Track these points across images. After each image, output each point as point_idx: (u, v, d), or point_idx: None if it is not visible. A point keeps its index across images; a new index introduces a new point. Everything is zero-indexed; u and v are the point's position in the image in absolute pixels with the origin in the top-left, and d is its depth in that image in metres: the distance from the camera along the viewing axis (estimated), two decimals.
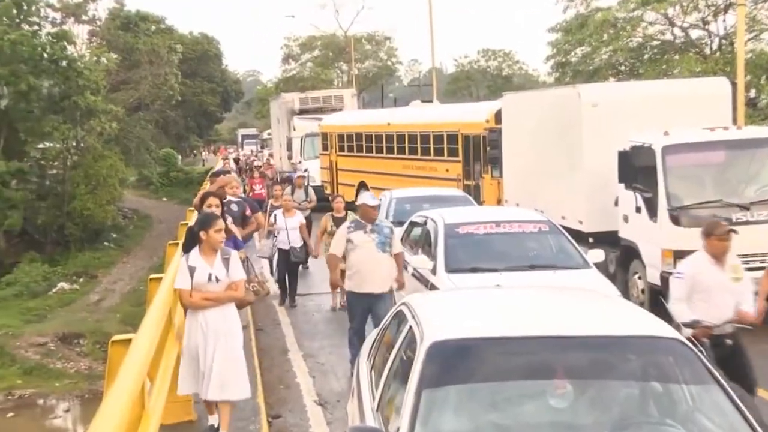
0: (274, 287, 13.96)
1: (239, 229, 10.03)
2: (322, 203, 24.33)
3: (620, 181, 12.55)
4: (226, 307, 6.80)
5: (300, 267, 14.44)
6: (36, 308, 23.99)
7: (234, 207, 10.69)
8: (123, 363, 4.90)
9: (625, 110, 13.21)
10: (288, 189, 16.58)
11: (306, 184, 18.56)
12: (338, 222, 12.89)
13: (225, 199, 10.14)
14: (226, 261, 6.75)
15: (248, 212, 10.99)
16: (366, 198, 9.34)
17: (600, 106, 13.40)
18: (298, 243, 13.48)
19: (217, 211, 8.12)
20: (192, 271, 6.68)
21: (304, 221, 13.86)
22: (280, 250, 13.60)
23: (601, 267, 10.61)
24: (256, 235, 13.50)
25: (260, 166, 31.79)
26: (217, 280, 6.70)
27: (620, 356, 4.62)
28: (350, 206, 25.28)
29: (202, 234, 6.77)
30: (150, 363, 5.44)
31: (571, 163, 13.97)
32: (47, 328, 21.29)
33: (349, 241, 9.14)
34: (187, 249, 6.91)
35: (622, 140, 12.40)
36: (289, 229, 13.44)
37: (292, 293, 13.83)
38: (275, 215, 13.76)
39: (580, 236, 12.67)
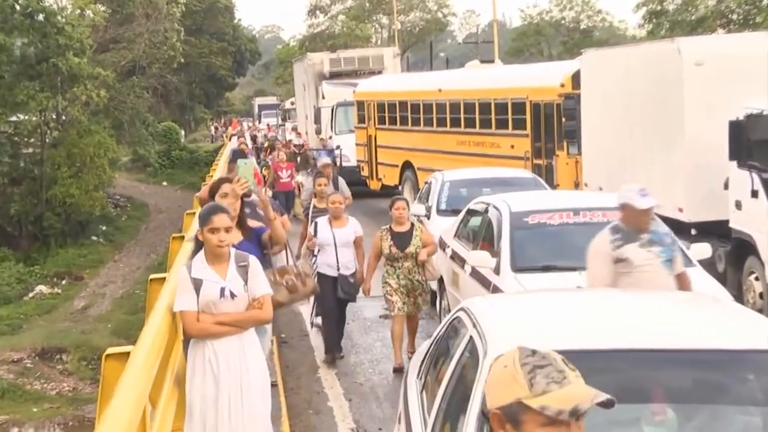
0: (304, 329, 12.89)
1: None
2: (357, 188, 24.45)
3: (731, 158, 12.42)
4: (246, 334, 6.20)
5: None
6: (9, 317, 24.33)
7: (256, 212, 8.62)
8: (119, 382, 4.94)
9: (737, 70, 13.05)
10: (328, 186, 13.83)
11: (335, 173, 16.48)
12: (400, 240, 10.80)
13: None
14: (242, 269, 6.19)
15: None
16: (633, 196, 7.37)
17: (706, 65, 13.26)
18: (350, 267, 11.11)
19: (236, 205, 7.29)
20: (197, 285, 6.11)
21: (361, 232, 11.31)
22: (322, 276, 10.92)
23: (707, 265, 10.51)
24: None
25: (302, 146, 30.13)
26: (233, 295, 6.11)
27: (735, 375, 4.59)
28: (390, 191, 25.12)
29: (198, 234, 6.28)
30: (153, 382, 5.48)
31: (669, 136, 13.86)
32: (23, 341, 21.58)
33: (620, 260, 7.16)
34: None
35: (733, 107, 12.27)
36: (339, 245, 11.00)
37: (338, 339, 11.66)
38: (316, 223, 11.34)
39: (680, 227, 12.56)
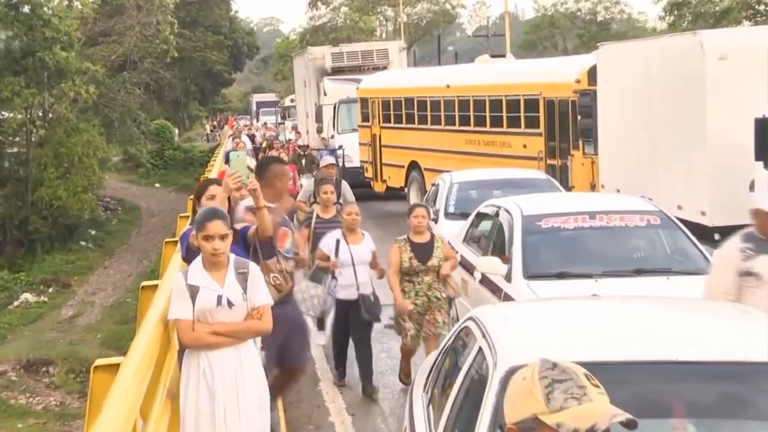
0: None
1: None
2: (361, 190, 24.44)
3: (757, 158, 12.42)
4: (243, 345, 6.20)
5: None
6: None
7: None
8: (108, 395, 4.96)
9: (764, 64, 13.04)
10: (331, 193, 12.25)
11: (338, 175, 15.44)
12: (421, 252, 10.03)
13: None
14: (242, 277, 6.19)
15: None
16: (765, 200, 6.87)
17: (730, 59, 13.26)
18: (369, 287, 10.42)
19: (224, 207, 7.11)
20: (193, 292, 6.12)
21: (374, 248, 10.66)
22: (338, 301, 10.41)
23: None
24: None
25: (306, 146, 29.04)
26: (230, 304, 6.12)
27: (760, 388, 4.59)
28: (395, 193, 25.04)
29: (193, 238, 6.33)
30: (144, 395, 5.50)
31: (691, 135, 13.85)
32: (7, 352, 21.60)
33: (748, 273, 6.70)
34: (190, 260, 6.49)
35: (760, 104, 12.26)
36: (356, 263, 10.33)
37: (367, 374, 10.51)
38: (338, 241, 10.41)
39: (702, 232, 12.56)
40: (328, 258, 10.30)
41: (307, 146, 28.65)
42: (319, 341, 12.16)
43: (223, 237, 6.14)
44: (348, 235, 10.40)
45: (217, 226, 6.12)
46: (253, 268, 6.31)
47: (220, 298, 6.10)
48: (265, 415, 6.38)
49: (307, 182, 15.79)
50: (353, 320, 10.37)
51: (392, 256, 10.00)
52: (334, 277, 10.26)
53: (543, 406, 2.50)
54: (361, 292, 10.26)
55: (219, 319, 6.12)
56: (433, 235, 10.24)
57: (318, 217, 12.05)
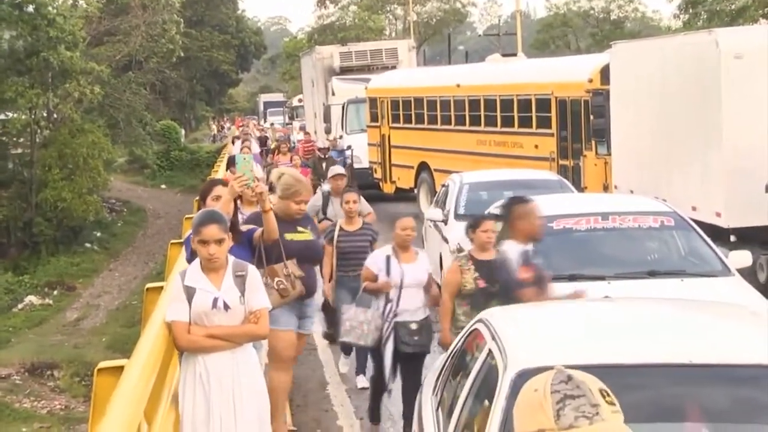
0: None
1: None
2: (370, 191, 24.42)
3: None
4: (240, 350, 6.16)
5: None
6: None
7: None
8: (112, 398, 4.96)
9: None
10: (354, 203, 10.85)
11: (351, 182, 14.56)
12: (489, 271, 8.10)
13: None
14: (240, 279, 6.15)
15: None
16: None
17: (746, 58, 13.22)
18: (419, 313, 8.86)
19: (230, 209, 7.11)
20: (190, 294, 6.09)
21: (431, 268, 9.32)
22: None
23: (748, 274, 10.48)
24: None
25: (327, 149, 27.67)
26: (227, 307, 6.07)
27: None
28: (405, 194, 25.02)
29: (192, 241, 6.32)
30: (148, 398, 5.49)
31: (706, 135, 13.82)
32: (11, 355, 21.64)
33: None
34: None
35: None
36: (405, 286, 8.77)
37: (410, 410, 8.12)
38: (387, 258, 8.95)
39: (718, 233, 12.54)
40: (375, 278, 8.86)
41: (327, 149, 28.36)
42: (341, 369, 11.40)
43: (219, 242, 6.08)
44: (400, 252, 8.90)
45: (212, 231, 6.06)
46: (252, 271, 6.26)
47: (215, 300, 6.07)
48: (265, 425, 6.34)
49: (315, 196, 13.21)
50: (397, 353, 8.76)
51: (450, 276, 8.32)
52: (389, 300, 8.73)
53: (552, 423, 2.45)
54: (398, 319, 8.70)
55: (215, 322, 6.08)
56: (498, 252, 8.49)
57: (341, 229, 10.71)
